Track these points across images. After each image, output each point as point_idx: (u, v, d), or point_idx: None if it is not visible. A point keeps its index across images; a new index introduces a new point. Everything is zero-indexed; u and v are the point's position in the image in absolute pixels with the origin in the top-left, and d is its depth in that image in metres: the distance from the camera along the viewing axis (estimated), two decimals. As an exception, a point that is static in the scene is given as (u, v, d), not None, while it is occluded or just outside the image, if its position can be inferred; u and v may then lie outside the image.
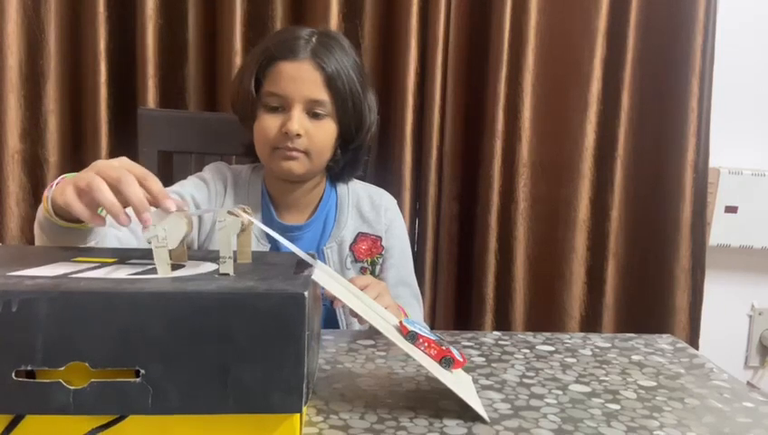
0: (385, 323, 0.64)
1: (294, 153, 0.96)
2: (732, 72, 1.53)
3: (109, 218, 0.64)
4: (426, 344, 0.63)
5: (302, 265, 0.61)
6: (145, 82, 1.31)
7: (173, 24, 1.33)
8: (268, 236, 1.00)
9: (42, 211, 0.72)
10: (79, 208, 0.64)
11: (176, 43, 1.35)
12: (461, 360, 0.65)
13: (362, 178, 1.16)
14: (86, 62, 1.32)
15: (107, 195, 0.61)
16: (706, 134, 1.46)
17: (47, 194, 0.70)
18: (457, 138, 1.43)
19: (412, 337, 0.63)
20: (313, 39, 0.98)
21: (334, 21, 1.34)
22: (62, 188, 0.66)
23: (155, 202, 0.61)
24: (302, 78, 0.96)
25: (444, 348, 0.64)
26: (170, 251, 0.59)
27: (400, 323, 0.65)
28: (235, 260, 0.59)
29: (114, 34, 1.31)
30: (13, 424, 0.48)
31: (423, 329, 0.66)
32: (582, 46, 1.41)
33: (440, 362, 0.63)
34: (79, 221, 0.70)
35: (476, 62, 1.42)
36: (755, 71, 1.58)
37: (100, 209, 0.64)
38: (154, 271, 0.56)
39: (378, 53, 1.40)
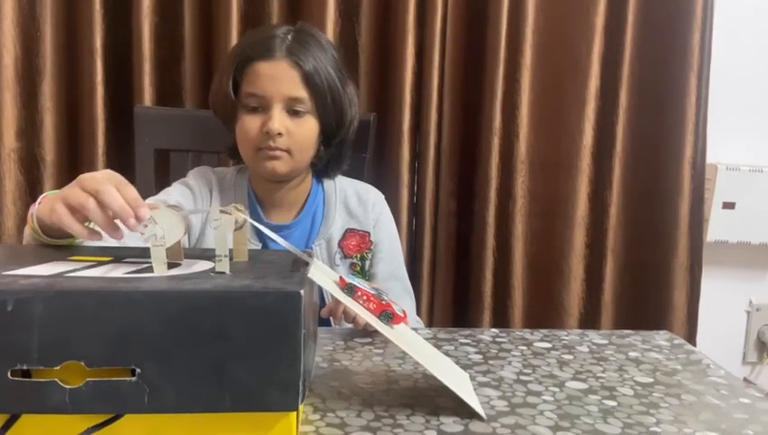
0: (373, 317, 0.64)
1: (277, 153, 0.96)
2: (729, 69, 1.53)
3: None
4: (365, 298, 0.63)
5: (298, 264, 0.61)
6: (141, 80, 1.31)
7: (169, 21, 1.33)
8: (259, 235, 1.01)
9: (28, 231, 0.72)
10: (78, 229, 0.64)
11: (172, 41, 1.34)
12: (401, 315, 0.64)
13: (360, 177, 1.16)
14: (82, 60, 1.32)
15: (99, 213, 0.62)
16: (704, 130, 1.46)
17: (32, 212, 0.70)
18: (455, 135, 1.43)
19: (350, 290, 0.63)
20: (289, 37, 0.98)
21: (331, 18, 1.33)
22: (50, 207, 0.66)
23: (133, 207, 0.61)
24: (279, 77, 0.96)
25: (383, 302, 0.63)
26: (166, 250, 0.58)
27: (340, 278, 0.64)
28: (230, 258, 0.59)
29: (110, 32, 1.31)
30: (9, 423, 0.48)
31: (363, 284, 0.65)
32: (580, 43, 1.41)
33: (380, 317, 0.63)
34: (67, 236, 0.70)
35: (474, 59, 1.41)
36: (752, 67, 1.58)
37: (87, 223, 0.65)
38: (150, 270, 0.56)
39: (375, 51, 1.39)
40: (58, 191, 0.67)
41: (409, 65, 1.37)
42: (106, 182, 0.62)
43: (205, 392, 0.49)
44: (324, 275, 0.64)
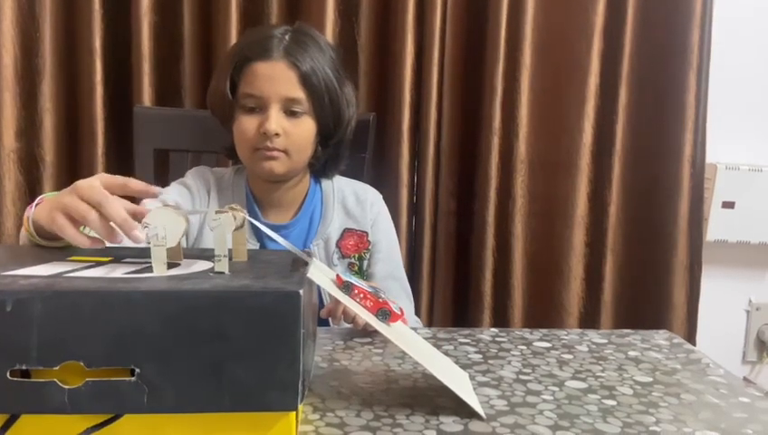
0: (370, 314, 0.64)
1: (274, 153, 0.97)
2: (729, 68, 1.53)
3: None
4: (361, 296, 0.63)
5: (297, 263, 0.61)
6: (141, 80, 1.31)
7: (168, 21, 1.33)
8: (257, 234, 1.01)
9: (25, 233, 0.72)
10: (81, 241, 0.64)
11: (172, 40, 1.34)
12: (398, 313, 0.64)
13: (360, 177, 1.16)
14: (82, 60, 1.32)
15: (102, 226, 0.61)
16: (703, 129, 1.46)
17: (28, 215, 0.70)
18: (454, 134, 1.43)
19: (347, 287, 0.62)
20: (286, 37, 0.98)
21: (330, 18, 1.33)
22: (49, 215, 0.65)
23: (144, 196, 0.64)
24: (276, 77, 0.96)
25: (380, 300, 0.63)
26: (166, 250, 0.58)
27: (337, 275, 0.64)
28: (230, 258, 0.59)
29: (110, 32, 1.31)
30: (8, 424, 0.48)
31: (360, 282, 0.65)
32: (580, 42, 1.41)
33: (377, 315, 0.63)
34: (61, 238, 0.70)
35: (473, 59, 1.41)
36: (752, 67, 1.58)
37: (82, 228, 0.65)
38: (149, 270, 0.56)
39: (374, 51, 1.39)
40: (55, 193, 0.67)
41: (409, 65, 1.37)
42: (106, 193, 0.62)
43: (204, 392, 0.49)
44: (323, 274, 0.64)
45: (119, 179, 0.64)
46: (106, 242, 0.64)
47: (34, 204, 0.71)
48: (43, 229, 0.69)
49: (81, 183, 0.64)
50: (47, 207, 0.67)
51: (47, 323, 0.47)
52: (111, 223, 0.62)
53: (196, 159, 1.21)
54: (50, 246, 0.71)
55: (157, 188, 0.63)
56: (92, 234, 0.64)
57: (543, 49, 1.41)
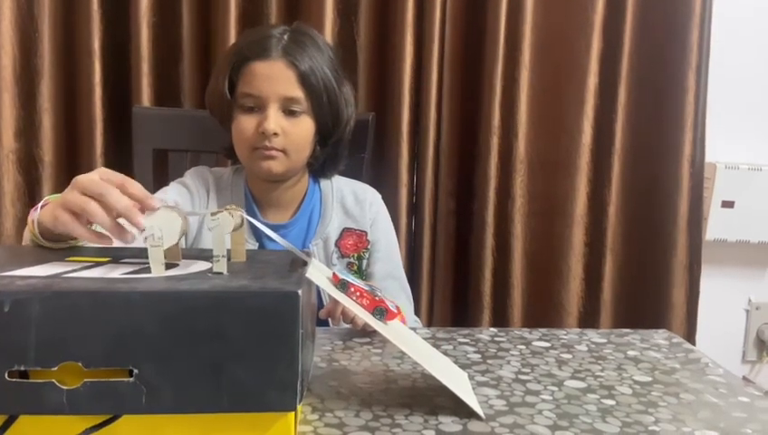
0: (366, 312, 0.64)
1: (273, 152, 0.97)
2: (728, 68, 1.53)
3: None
4: (358, 294, 0.63)
5: (296, 263, 0.61)
6: (140, 81, 1.31)
7: (167, 21, 1.33)
8: (256, 234, 1.01)
9: (29, 235, 0.72)
10: (86, 234, 0.63)
11: (170, 41, 1.34)
12: (394, 311, 0.64)
13: (359, 177, 1.16)
14: (81, 61, 1.32)
15: (103, 216, 0.61)
16: (702, 129, 1.46)
17: (33, 217, 0.70)
18: (454, 134, 1.43)
19: (343, 286, 0.63)
20: (285, 37, 0.98)
21: (329, 18, 1.33)
22: (52, 215, 0.65)
23: (140, 205, 0.61)
24: (275, 77, 0.96)
25: (377, 298, 0.63)
26: (165, 250, 0.58)
27: (333, 274, 0.64)
28: (228, 259, 0.58)
29: (108, 33, 1.31)
30: (6, 425, 0.48)
31: (356, 280, 0.65)
32: (579, 41, 1.41)
33: (373, 313, 0.63)
34: (66, 239, 0.69)
35: (472, 58, 1.41)
36: (752, 67, 1.58)
37: (93, 225, 0.64)
38: (147, 270, 0.56)
39: (373, 50, 1.39)
40: (60, 195, 0.66)
41: (408, 64, 1.37)
42: (106, 183, 0.61)
43: (203, 393, 0.49)
44: (322, 274, 0.64)
45: (117, 177, 0.63)
46: (114, 240, 0.64)
47: (39, 206, 0.70)
48: (48, 231, 0.68)
49: (81, 178, 0.63)
50: (51, 207, 0.66)
51: (45, 324, 0.47)
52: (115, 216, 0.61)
53: (194, 159, 1.21)
54: (54, 247, 0.70)
55: (156, 202, 0.61)
56: (98, 229, 0.64)
57: (543, 48, 1.41)
